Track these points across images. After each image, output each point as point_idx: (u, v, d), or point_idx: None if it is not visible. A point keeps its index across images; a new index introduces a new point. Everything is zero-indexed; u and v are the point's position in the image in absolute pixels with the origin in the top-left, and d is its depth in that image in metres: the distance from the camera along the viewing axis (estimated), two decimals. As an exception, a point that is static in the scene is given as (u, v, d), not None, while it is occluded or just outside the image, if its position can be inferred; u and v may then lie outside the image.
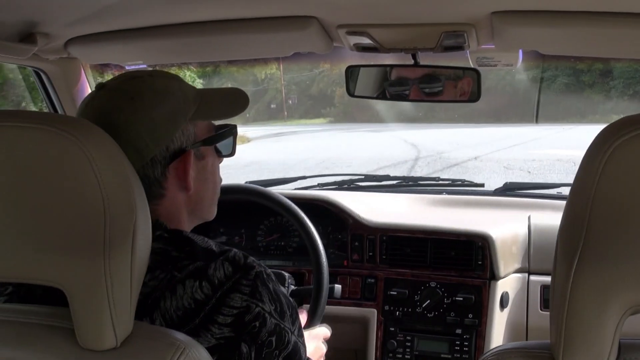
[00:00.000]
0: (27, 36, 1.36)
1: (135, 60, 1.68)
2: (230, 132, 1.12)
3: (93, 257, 0.74)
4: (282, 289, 1.03)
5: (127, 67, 1.75)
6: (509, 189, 2.18)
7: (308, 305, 1.59)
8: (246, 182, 2.05)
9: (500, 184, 2.23)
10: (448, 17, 1.29)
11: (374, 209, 2.00)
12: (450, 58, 1.52)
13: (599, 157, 0.70)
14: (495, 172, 9.22)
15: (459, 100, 1.54)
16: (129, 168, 0.79)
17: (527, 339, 1.81)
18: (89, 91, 1.92)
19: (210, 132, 1.08)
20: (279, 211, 1.66)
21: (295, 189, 2.22)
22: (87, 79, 1.91)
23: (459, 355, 1.78)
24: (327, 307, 1.58)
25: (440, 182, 2.28)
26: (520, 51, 1.54)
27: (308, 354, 1.16)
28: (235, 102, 1.12)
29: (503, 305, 1.79)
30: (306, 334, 1.28)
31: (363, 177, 2.33)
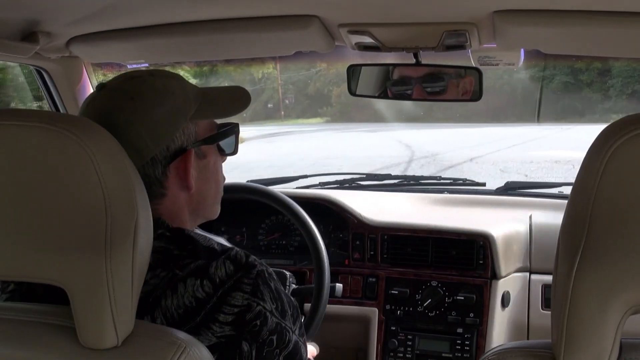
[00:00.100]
0: (29, 35, 1.36)
1: (136, 59, 1.68)
2: (232, 130, 1.12)
3: (94, 255, 0.74)
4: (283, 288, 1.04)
5: (128, 66, 1.75)
6: (510, 188, 2.18)
7: (309, 304, 1.59)
8: (248, 181, 2.05)
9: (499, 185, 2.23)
10: (450, 16, 1.29)
11: (376, 208, 2.00)
12: (452, 57, 1.52)
13: (600, 156, 0.70)
14: (492, 175, 9.04)
15: (461, 100, 1.54)
16: (130, 167, 0.80)
17: (528, 339, 1.81)
18: (91, 90, 1.92)
19: (212, 131, 1.07)
20: (281, 210, 1.66)
21: (297, 187, 2.22)
22: (88, 77, 1.91)
23: (460, 355, 1.78)
24: (328, 306, 1.59)
25: (442, 181, 2.28)
26: (522, 50, 1.54)
27: None
28: (236, 100, 1.11)
29: (504, 304, 1.79)
30: None
31: (364, 176, 2.33)
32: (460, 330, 1.79)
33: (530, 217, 1.95)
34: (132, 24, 1.41)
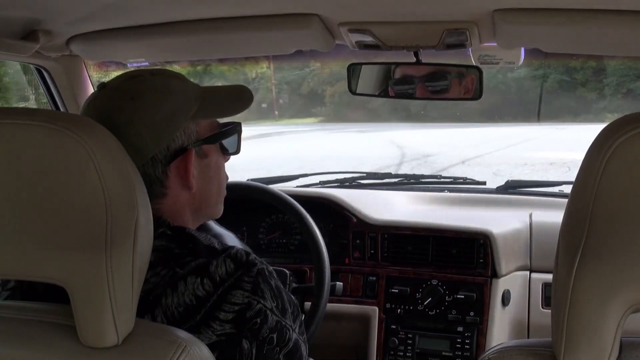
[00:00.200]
0: (29, 34, 1.36)
1: (137, 57, 1.68)
2: (234, 129, 1.11)
3: (94, 254, 0.74)
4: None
5: (128, 65, 1.75)
6: (511, 187, 2.18)
7: (309, 303, 1.59)
8: (248, 180, 2.05)
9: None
10: (450, 15, 1.29)
11: (376, 206, 2.00)
12: (452, 56, 1.52)
13: (600, 155, 0.70)
14: (485, 179, 8.82)
15: (462, 98, 1.54)
16: (130, 166, 0.80)
17: (528, 337, 1.81)
18: (91, 89, 1.92)
19: (214, 130, 1.07)
20: (281, 209, 1.66)
21: (297, 186, 2.22)
22: (88, 76, 1.91)
23: (460, 353, 1.78)
24: (328, 304, 1.58)
25: (442, 180, 2.28)
26: (522, 49, 1.54)
27: None
28: (238, 99, 1.11)
29: (504, 303, 1.79)
30: None
31: (365, 174, 2.33)
32: (460, 328, 1.79)
33: (531, 215, 1.95)
34: (132, 22, 1.41)
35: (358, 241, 1.91)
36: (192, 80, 1.09)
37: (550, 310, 0.79)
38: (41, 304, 0.87)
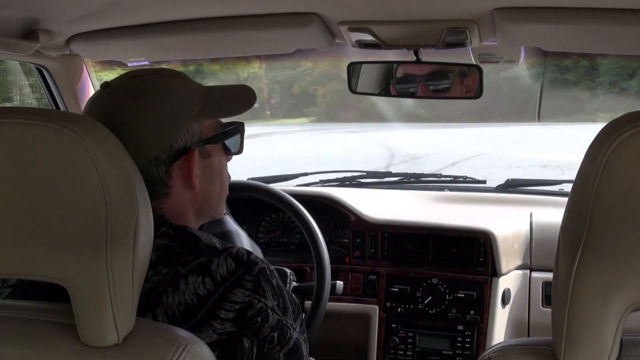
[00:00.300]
0: (29, 33, 1.36)
1: (137, 57, 1.68)
2: (237, 129, 1.11)
3: (95, 253, 0.74)
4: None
5: (129, 64, 1.75)
6: (511, 186, 2.18)
7: (310, 302, 1.59)
8: (248, 179, 2.05)
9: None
10: (450, 14, 1.29)
11: (376, 205, 2.00)
12: (452, 54, 1.52)
13: (601, 153, 0.70)
14: None
15: (462, 97, 1.54)
16: (130, 165, 0.80)
17: (528, 336, 1.81)
18: (91, 88, 1.92)
19: (217, 130, 1.07)
20: (281, 207, 1.66)
21: (297, 185, 2.22)
22: (89, 75, 1.91)
23: (460, 352, 1.78)
24: (328, 303, 1.59)
25: (442, 178, 2.28)
26: (523, 47, 1.53)
27: None
28: (241, 99, 1.11)
29: (505, 301, 1.79)
30: None
31: (365, 173, 2.33)
32: (460, 327, 1.79)
33: (531, 214, 1.95)
34: (132, 21, 1.41)
35: (358, 240, 1.91)
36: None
37: (550, 309, 0.79)
38: (42, 303, 0.87)
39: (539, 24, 1.24)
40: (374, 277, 1.88)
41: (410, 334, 1.83)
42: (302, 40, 1.47)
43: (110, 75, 2.01)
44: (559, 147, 10.40)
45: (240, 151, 1.15)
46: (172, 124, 0.99)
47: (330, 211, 1.93)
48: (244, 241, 1.55)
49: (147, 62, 1.73)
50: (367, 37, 1.39)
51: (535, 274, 1.85)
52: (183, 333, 0.80)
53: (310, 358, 1.10)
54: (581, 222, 0.71)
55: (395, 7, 1.26)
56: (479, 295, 1.78)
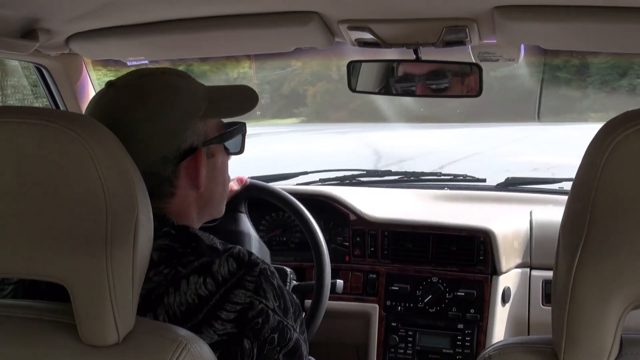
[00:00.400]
0: (29, 32, 1.36)
1: (136, 55, 1.68)
2: (239, 129, 1.12)
3: (95, 253, 0.74)
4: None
5: (128, 63, 1.75)
6: (511, 184, 2.18)
7: (310, 301, 1.59)
8: (248, 177, 2.05)
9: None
10: (450, 12, 1.29)
11: (376, 204, 2.00)
12: (452, 53, 1.52)
13: (601, 151, 0.70)
14: None
15: (462, 95, 1.54)
16: (130, 164, 0.80)
17: (529, 334, 1.81)
18: (90, 87, 1.92)
19: (220, 130, 1.07)
20: (281, 206, 1.66)
21: (297, 184, 2.22)
22: (88, 75, 1.91)
23: (460, 350, 1.78)
24: (328, 302, 1.59)
25: (442, 177, 2.28)
26: (522, 46, 1.53)
27: None
28: (245, 99, 1.12)
29: (505, 300, 1.79)
30: None
31: (365, 172, 2.33)
32: (460, 326, 1.79)
33: (531, 212, 1.95)
34: (131, 20, 1.41)
35: (358, 239, 1.91)
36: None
37: (550, 307, 0.79)
38: (42, 302, 0.87)
39: (538, 22, 1.24)
40: (374, 276, 1.88)
41: (411, 333, 1.83)
42: (301, 39, 1.47)
43: (111, 75, 2.01)
44: (550, 148, 10.21)
45: (241, 151, 1.15)
46: (180, 124, 0.99)
47: (330, 210, 1.93)
48: (253, 243, 1.55)
49: (146, 61, 1.73)
50: (367, 36, 1.39)
51: (535, 273, 1.85)
52: (183, 332, 0.80)
53: (310, 357, 1.10)
54: (581, 221, 0.71)
55: (394, 6, 1.26)
56: (479, 294, 1.78)
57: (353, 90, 1.59)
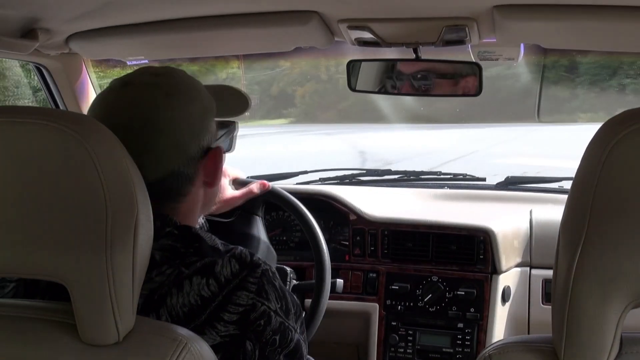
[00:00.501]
0: (29, 32, 1.36)
1: (136, 55, 1.68)
2: (234, 128, 1.13)
3: (95, 252, 0.74)
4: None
5: (128, 63, 1.75)
6: (511, 183, 2.18)
7: (310, 300, 1.59)
8: (248, 177, 2.05)
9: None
10: (450, 11, 1.29)
11: (376, 203, 2.00)
12: (452, 52, 1.52)
13: (600, 150, 0.70)
14: None
15: (462, 95, 1.54)
16: (130, 164, 0.80)
17: (529, 333, 1.81)
18: (90, 87, 1.92)
19: (217, 129, 1.08)
20: (281, 205, 1.66)
21: (297, 183, 2.22)
22: (88, 74, 1.91)
23: (460, 350, 1.78)
24: (328, 301, 1.58)
25: (442, 176, 2.28)
26: (522, 45, 1.53)
27: None
28: (242, 99, 1.13)
29: (505, 299, 1.79)
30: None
31: (365, 171, 2.33)
32: (461, 325, 1.79)
33: (531, 211, 1.95)
34: (131, 20, 1.41)
35: (358, 238, 1.91)
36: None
37: (550, 307, 0.79)
38: (42, 302, 0.87)
39: (538, 21, 1.24)
40: (374, 275, 1.88)
41: (411, 332, 1.83)
42: (301, 38, 1.47)
43: (112, 74, 2.00)
44: (540, 150, 10.07)
45: (232, 149, 1.16)
46: (201, 122, 1.00)
47: (330, 209, 1.93)
48: (261, 247, 1.55)
49: (146, 61, 1.73)
50: (367, 35, 1.39)
51: (535, 272, 1.85)
52: (183, 331, 0.80)
53: (309, 357, 1.10)
54: (581, 219, 0.71)
55: (394, 5, 1.26)
56: (479, 293, 1.78)
57: (353, 89, 1.59)
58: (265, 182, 1.56)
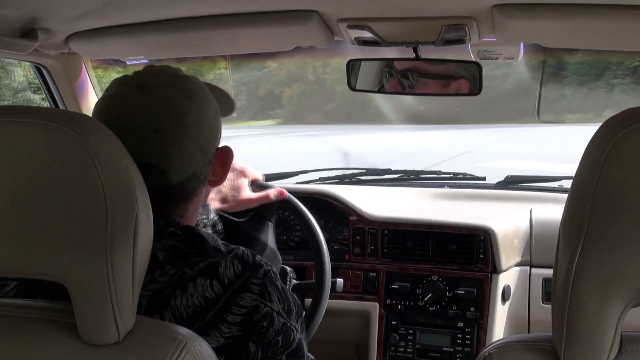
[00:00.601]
0: (28, 32, 1.36)
1: (136, 55, 1.68)
2: None
3: (95, 252, 0.74)
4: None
5: (128, 62, 1.75)
6: (511, 182, 2.18)
7: (310, 300, 1.59)
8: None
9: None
10: (449, 10, 1.29)
11: (376, 202, 2.00)
12: (452, 51, 1.52)
13: (600, 149, 0.70)
14: None
15: (461, 94, 1.54)
16: (130, 163, 0.80)
17: (529, 332, 1.81)
18: (90, 87, 1.92)
19: None
20: (281, 205, 1.66)
21: (297, 183, 2.22)
22: (88, 74, 1.91)
23: (460, 349, 1.78)
24: (329, 301, 1.58)
25: (442, 175, 2.28)
26: (522, 44, 1.53)
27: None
28: (227, 101, 1.14)
29: (505, 298, 1.79)
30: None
31: (365, 171, 2.33)
32: (461, 324, 1.79)
33: (531, 211, 1.95)
34: (131, 20, 1.41)
35: (358, 237, 1.91)
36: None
37: (550, 306, 0.79)
38: (42, 301, 0.87)
39: (538, 20, 1.24)
40: (374, 275, 1.88)
41: (411, 331, 1.83)
42: (301, 38, 1.47)
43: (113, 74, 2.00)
44: (530, 152, 9.90)
45: None
46: (217, 123, 1.02)
47: (330, 209, 1.93)
48: (266, 253, 1.54)
49: (146, 61, 1.73)
50: (366, 35, 1.39)
51: (535, 271, 1.85)
52: (183, 331, 0.80)
53: (309, 355, 1.10)
54: (581, 218, 0.71)
55: (394, 4, 1.26)
56: (479, 292, 1.78)
57: (352, 89, 1.59)
58: (284, 190, 1.55)
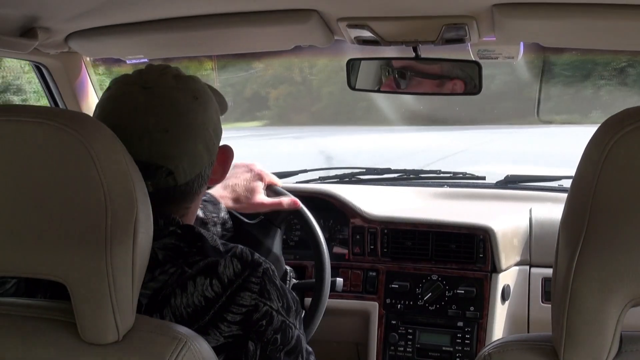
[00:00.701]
0: (28, 31, 1.36)
1: (136, 54, 1.68)
2: None
3: (94, 251, 0.74)
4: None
5: (127, 62, 1.75)
6: (511, 182, 2.18)
7: (309, 299, 1.59)
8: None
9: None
10: (449, 10, 1.29)
11: (375, 202, 2.00)
12: (451, 51, 1.52)
13: (600, 149, 0.70)
14: None
15: (461, 93, 1.54)
16: (130, 163, 0.80)
17: (528, 332, 1.81)
18: (90, 86, 1.92)
19: None
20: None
21: (297, 182, 2.22)
22: (88, 73, 1.91)
23: (460, 348, 1.78)
24: (328, 300, 1.58)
25: (442, 174, 2.28)
26: (522, 44, 1.53)
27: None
28: (223, 101, 1.15)
29: (504, 298, 1.79)
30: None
31: (364, 170, 2.33)
32: (460, 323, 1.79)
33: (531, 210, 1.95)
34: (131, 19, 1.41)
35: (358, 237, 1.91)
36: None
37: (550, 305, 0.79)
38: (42, 301, 0.87)
39: (538, 20, 1.24)
40: (374, 274, 1.88)
41: (410, 331, 1.83)
42: (301, 37, 1.47)
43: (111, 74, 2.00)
44: (520, 155, 9.68)
45: None
46: (219, 122, 1.03)
47: (329, 208, 1.93)
48: (270, 258, 1.54)
49: (145, 60, 1.73)
50: (366, 34, 1.39)
51: (534, 270, 1.85)
52: (183, 330, 0.80)
53: (309, 348, 1.10)
54: (581, 218, 0.71)
55: (394, 3, 1.26)
56: (478, 292, 1.78)
57: (352, 88, 1.59)
58: (297, 200, 1.54)
